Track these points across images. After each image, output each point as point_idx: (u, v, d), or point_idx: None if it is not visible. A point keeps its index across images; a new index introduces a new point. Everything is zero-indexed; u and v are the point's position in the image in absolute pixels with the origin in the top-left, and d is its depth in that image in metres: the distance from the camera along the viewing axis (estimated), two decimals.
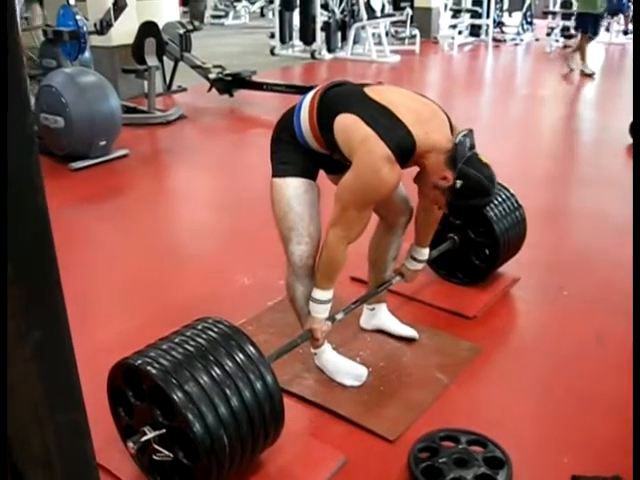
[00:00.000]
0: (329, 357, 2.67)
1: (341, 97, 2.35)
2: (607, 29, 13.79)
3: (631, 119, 6.22)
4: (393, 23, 12.96)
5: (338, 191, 2.26)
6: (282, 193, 2.42)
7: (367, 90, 2.31)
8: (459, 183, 2.22)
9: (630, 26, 14.36)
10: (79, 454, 0.86)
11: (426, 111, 2.30)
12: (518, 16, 14.58)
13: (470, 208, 2.33)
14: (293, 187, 2.40)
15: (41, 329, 0.78)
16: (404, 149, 2.18)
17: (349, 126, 2.22)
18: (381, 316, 2.96)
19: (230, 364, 1.97)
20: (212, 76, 7.86)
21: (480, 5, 13.45)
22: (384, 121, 2.18)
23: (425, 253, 2.83)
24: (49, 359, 0.80)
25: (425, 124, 2.23)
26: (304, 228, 2.41)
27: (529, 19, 14.38)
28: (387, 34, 12.46)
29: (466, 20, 13.53)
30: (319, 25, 11.48)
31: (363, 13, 11.40)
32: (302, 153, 2.42)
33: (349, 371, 2.65)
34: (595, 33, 9.89)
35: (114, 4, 6.72)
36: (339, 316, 2.57)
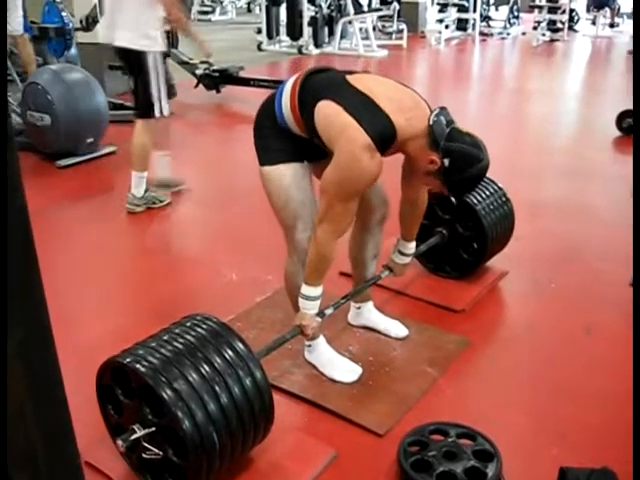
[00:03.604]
0: (323, 349, 2.68)
1: (323, 83, 2.34)
2: (593, 22, 13.85)
3: (617, 112, 6.26)
4: (380, 17, 12.96)
5: (322, 186, 2.25)
6: (279, 183, 2.41)
7: (349, 78, 2.29)
8: (447, 161, 2.18)
9: (616, 19, 14.45)
10: (63, 452, 0.86)
11: (408, 100, 2.29)
12: (505, 10, 14.61)
13: (469, 181, 2.27)
14: (289, 175, 2.40)
15: (23, 327, 0.77)
16: (385, 137, 2.17)
17: (329, 115, 2.21)
18: (368, 315, 2.96)
19: (219, 361, 1.97)
20: (199, 72, 7.83)
21: None
22: (364, 109, 2.17)
23: (412, 247, 2.83)
24: (32, 357, 0.79)
25: (406, 112, 2.21)
26: (308, 215, 2.42)
27: (516, 13, 14.41)
28: (374, 29, 12.45)
29: (453, 14, 13.55)
30: (306, 20, 11.46)
31: (350, 8, 11.39)
32: (286, 137, 2.41)
33: (341, 366, 2.66)
34: None
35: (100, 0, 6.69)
36: (329, 311, 2.57)
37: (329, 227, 2.28)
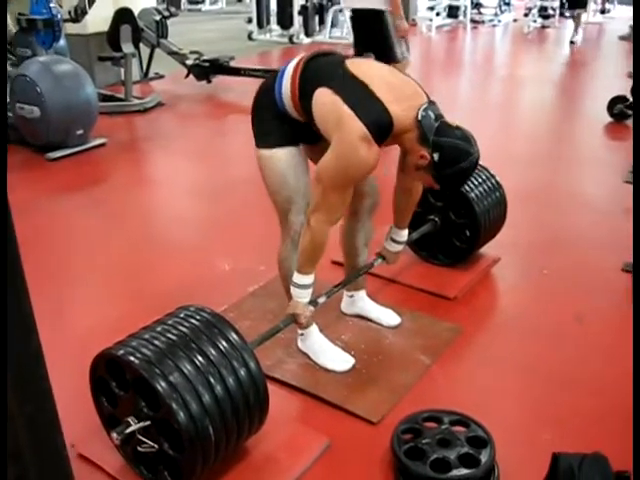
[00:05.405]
0: (315, 338, 2.68)
1: (322, 70, 2.32)
2: None
3: (608, 98, 6.26)
4: None
5: (317, 175, 2.24)
6: (275, 166, 2.42)
7: (349, 64, 2.27)
8: (436, 156, 2.17)
9: (607, 5, 14.46)
10: (50, 444, 0.85)
11: (406, 88, 2.28)
12: None
13: (459, 174, 2.26)
14: (285, 160, 2.41)
15: (5, 320, 0.76)
16: (381, 127, 2.16)
17: (327, 104, 2.20)
18: (362, 304, 2.97)
19: (213, 352, 1.96)
20: (189, 62, 7.80)
21: None
22: (362, 99, 2.16)
23: (404, 234, 2.83)
24: (15, 350, 0.79)
25: (403, 102, 2.20)
26: (302, 198, 2.44)
27: (507, 0, 14.37)
28: None
29: (444, 1, 13.49)
30: (296, 9, 11.41)
31: None
32: (283, 120, 2.41)
33: (334, 355, 2.66)
34: None
35: None
36: (321, 300, 2.57)
37: (323, 216, 2.28)
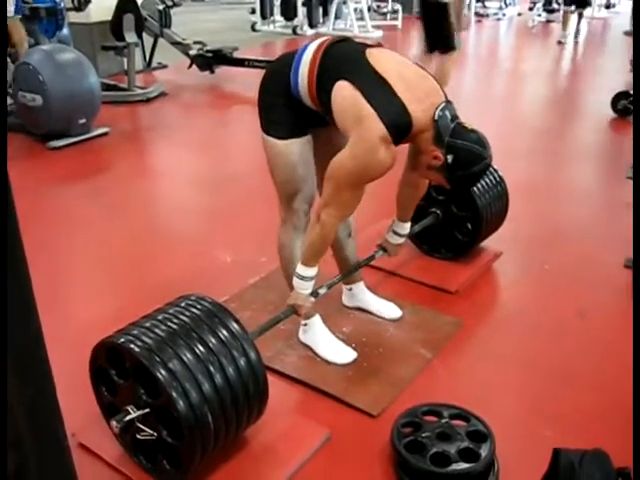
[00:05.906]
0: (318, 329, 2.68)
1: (343, 59, 2.26)
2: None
3: (613, 93, 6.25)
4: None
5: (331, 171, 2.20)
6: (286, 157, 2.39)
7: (368, 55, 2.21)
8: (450, 158, 2.16)
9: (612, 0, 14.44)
10: (50, 432, 0.85)
11: (424, 85, 2.23)
12: None
13: (471, 177, 2.25)
14: (297, 152, 2.38)
15: (6, 305, 0.76)
16: (400, 128, 2.13)
17: (347, 98, 2.15)
18: (362, 297, 2.96)
19: (213, 341, 1.96)
20: (192, 52, 7.79)
21: None
22: (383, 97, 2.12)
23: (407, 227, 2.81)
24: (15, 336, 0.78)
25: (423, 102, 2.16)
26: (310, 188, 2.46)
27: None
28: (369, 9, 12.38)
29: None
30: (300, 0, 11.38)
31: None
32: (296, 108, 2.36)
33: (335, 347, 2.66)
34: None
35: None
36: (322, 291, 2.56)
37: (335, 212, 2.26)
